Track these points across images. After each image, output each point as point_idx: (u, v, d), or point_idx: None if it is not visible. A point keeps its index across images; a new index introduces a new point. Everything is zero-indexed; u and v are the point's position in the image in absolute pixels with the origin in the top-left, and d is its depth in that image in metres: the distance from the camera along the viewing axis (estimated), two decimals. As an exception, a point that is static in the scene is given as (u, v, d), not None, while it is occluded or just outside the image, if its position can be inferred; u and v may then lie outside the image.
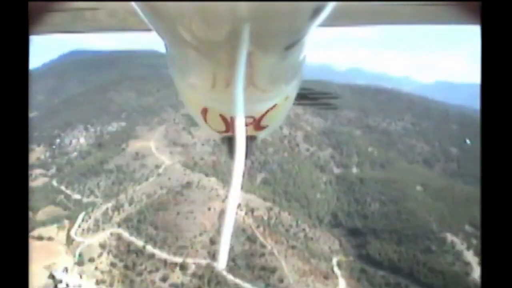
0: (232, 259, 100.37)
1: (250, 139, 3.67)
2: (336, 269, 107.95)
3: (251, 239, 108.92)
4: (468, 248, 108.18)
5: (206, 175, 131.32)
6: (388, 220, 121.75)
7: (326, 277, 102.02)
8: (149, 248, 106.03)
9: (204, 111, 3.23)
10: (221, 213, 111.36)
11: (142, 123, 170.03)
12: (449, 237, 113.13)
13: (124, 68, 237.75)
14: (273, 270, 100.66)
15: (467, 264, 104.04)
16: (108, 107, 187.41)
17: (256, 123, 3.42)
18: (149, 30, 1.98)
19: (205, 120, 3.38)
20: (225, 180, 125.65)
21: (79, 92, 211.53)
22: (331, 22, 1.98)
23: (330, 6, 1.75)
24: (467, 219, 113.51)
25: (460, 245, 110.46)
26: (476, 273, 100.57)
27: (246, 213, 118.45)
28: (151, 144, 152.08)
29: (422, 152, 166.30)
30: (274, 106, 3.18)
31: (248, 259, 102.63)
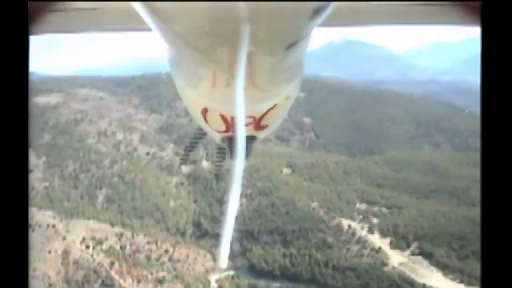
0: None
1: (250, 139, 3.96)
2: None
3: (107, 283, 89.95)
4: (370, 231, 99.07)
5: (39, 208, 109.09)
6: (264, 218, 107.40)
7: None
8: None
9: (204, 111, 3.54)
10: (65, 255, 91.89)
11: None
12: (344, 222, 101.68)
13: None
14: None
15: (378, 250, 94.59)
16: None
17: (256, 123, 3.66)
18: (149, 30, 2.10)
19: (205, 120, 3.66)
20: (62, 210, 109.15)
21: None
22: (331, 22, 2.15)
23: (330, 6, 1.86)
24: (355, 195, 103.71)
25: (360, 229, 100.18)
26: (393, 259, 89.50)
27: (94, 248, 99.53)
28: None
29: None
30: (274, 106, 3.44)
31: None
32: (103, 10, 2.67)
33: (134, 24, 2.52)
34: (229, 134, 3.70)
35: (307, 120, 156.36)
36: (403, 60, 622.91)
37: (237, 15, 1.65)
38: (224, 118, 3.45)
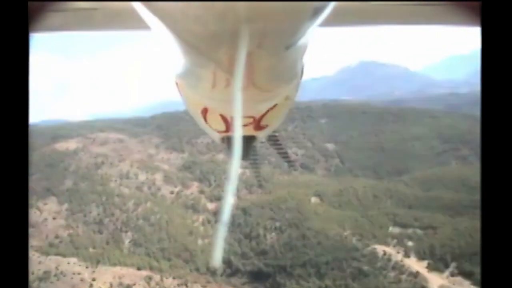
0: None
1: (249, 139, 4.17)
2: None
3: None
4: (406, 255, 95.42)
5: (64, 256, 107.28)
6: (295, 250, 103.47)
7: None
8: None
9: (204, 111, 3.70)
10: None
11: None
12: (378, 248, 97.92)
13: None
14: None
15: (416, 275, 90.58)
16: None
17: (256, 123, 3.82)
18: (149, 29, 2.16)
19: (205, 120, 3.82)
20: (88, 257, 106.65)
21: None
22: (331, 22, 2.18)
23: (330, 6, 1.89)
24: (387, 219, 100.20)
25: (396, 254, 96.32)
26: (432, 283, 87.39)
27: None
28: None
29: (298, 158, 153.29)
30: (274, 106, 3.57)
31: None
32: (103, 10, 2.72)
33: (134, 24, 2.59)
34: (229, 134, 3.79)
35: (330, 146, 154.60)
36: (420, 77, 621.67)
37: (237, 15, 1.64)
38: (224, 118, 3.60)
